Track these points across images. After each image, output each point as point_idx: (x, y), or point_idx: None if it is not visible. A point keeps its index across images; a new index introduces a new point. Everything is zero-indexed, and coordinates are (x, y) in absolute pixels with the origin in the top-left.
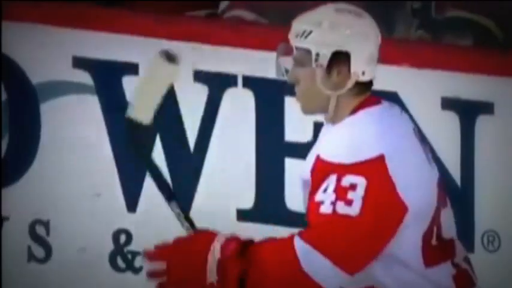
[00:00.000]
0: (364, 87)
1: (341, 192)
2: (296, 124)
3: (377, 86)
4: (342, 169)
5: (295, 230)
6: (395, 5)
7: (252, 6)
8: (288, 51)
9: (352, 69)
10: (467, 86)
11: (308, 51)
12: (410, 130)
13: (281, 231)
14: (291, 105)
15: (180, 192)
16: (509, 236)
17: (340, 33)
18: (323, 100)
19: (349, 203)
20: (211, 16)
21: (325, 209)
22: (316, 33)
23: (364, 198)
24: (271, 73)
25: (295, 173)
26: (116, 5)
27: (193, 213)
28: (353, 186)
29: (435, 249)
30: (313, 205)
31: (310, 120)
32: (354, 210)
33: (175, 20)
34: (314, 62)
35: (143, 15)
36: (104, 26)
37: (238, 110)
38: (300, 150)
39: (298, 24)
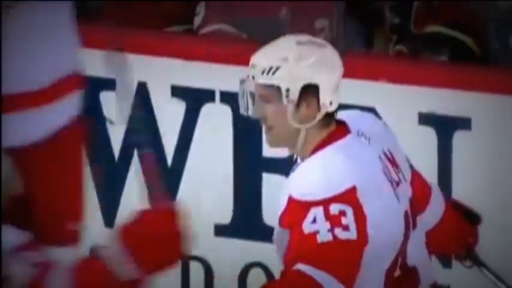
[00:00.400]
0: (330, 117)
1: (334, 220)
2: None
3: (355, 101)
4: (324, 202)
5: (273, 246)
6: (374, 20)
7: (228, 19)
8: (249, 87)
9: (321, 100)
10: (445, 101)
11: (276, 88)
12: (377, 160)
13: (259, 247)
14: None
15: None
16: (486, 250)
17: (308, 66)
18: (292, 134)
19: (346, 228)
20: (188, 31)
21: (324, 237)
22: (284, 68)
23: (356, 223)
24: None
25: (273, 188)
26: (93, 20)
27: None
28: (343, 213)
29: (398, 281)
30: (304, 238)
31: None
32: (353, 234)
33: (151, 36)
34: (285, 98)
35: (114, 30)
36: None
37: (216, 125)
38: (278, 165)
39: (262, 61)
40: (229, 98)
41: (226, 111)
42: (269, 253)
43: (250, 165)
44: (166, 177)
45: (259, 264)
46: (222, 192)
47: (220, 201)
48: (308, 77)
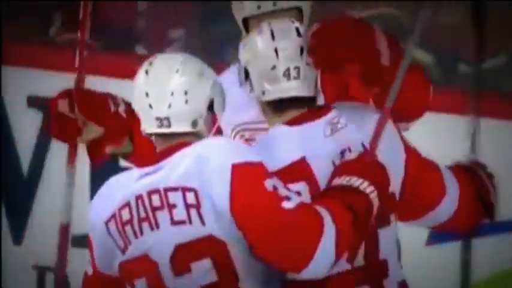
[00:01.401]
0: (284, 104)
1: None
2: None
3: None
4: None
5: None
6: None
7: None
8: None
9: (253, 85)
10: None
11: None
12: (331, 149)
13: None
14: None
15: (14, 215)
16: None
17: (244, 51)
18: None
19: None
20: (46, 42)
21: None
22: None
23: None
24: None
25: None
26: None
27: (28, 234)
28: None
29: (364, 271)
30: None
31: None
32: None
33: (7, 46)
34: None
35: None
36: None
37: None
38: None
39: None
40: None
41: None
42: None
43: (107, 174)
44: (22, 186)
45: None
46: (80, 201)
47: (78, 210)
48: (244, 61)
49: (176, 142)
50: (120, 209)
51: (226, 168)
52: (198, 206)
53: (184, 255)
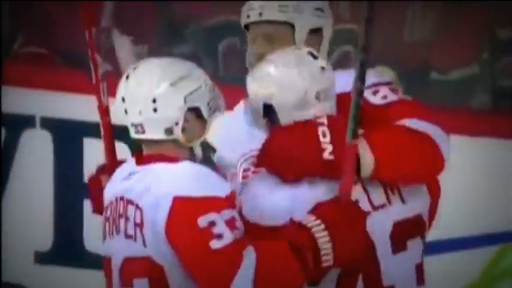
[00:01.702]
0: None
1: None
2: (95, 165)
3: None
4: None
5: (94, 272)
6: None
7: (46, 44)
8: None
9: (281, 120)
10: None
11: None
12: None
13: (80, 274)
14: (90, 146)
15: None
16: None
17: (266, 86)
18: None
19: None
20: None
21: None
22: (250, 86)
23: None
24: (69, 114)
25: (94, 214)
26: None
27: None
28: None
29: None
30: None
31: None
32: None
33: None
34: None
35: None
36: None
37: (36, 151)
38: None
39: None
40: (49, 124)
41: (46, 137)
42: (89, 280)
43: (71, 192)
44: None
45: None
46: (43, 219)
47: (41, 228)
48: (265, 97)
49: (155, 151)
50: (108, 204)
51: (168, 199)
52: (141, 226)
53: (129, 270)
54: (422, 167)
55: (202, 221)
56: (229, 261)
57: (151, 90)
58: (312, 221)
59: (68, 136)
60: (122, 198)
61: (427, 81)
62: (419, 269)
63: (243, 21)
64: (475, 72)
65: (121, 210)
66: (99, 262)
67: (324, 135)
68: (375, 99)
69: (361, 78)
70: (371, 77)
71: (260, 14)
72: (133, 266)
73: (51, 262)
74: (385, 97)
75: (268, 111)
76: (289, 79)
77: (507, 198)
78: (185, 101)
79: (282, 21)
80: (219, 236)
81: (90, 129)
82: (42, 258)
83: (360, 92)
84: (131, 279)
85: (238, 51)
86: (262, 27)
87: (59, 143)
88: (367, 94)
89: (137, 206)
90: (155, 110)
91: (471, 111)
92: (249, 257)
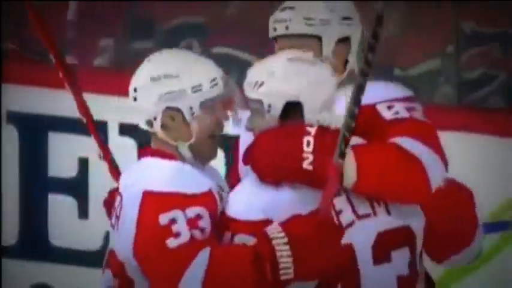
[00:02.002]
0: None
1: None
2: (60, 160)
3: None
4: None
5: (60, 266)
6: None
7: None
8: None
9: (306, 119)
10: None
11: (261, 102)
12: None
13: (45, 267)
14: (55, 141)
15: None
16: None
17: (292, 83)
18: None
19: None
20: None
21: None
22: (268, 84)
23: None
24: (35, 108)
25: (58, 208)
26: None
27: None
28: None
29: None
30: None
31: (74, 156)
32: None
33: None
34: (267, 113)
35: None
36: None
37: (2, 145)
38: (63, 186)
39: (252, 75)
40: (15, 118)
41: (12, 131)
42: (55, 274)
43: (36, 186)
44: None
45: (44, 286)
46: (8, 213)
47: (6, 222)
48: (291, 94)
49: (155, 146)
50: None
51: (139, 194)
52: (118, 219)
53: (109, 262)
54: (404, 188)
55: (164, 218)
56: (180, 260)
57: (135, 80)
58: (275, 233)
59: (33, 130)
60: (117, 190)
61: (392, 77)
62: (402, 281)
63: (271, 34)
64: (439, 66)
65: (116, 202)
66: (63, 256)
67: (308, 145)
68: (387, 113)
69: (356, 101)
70: (393, 91)
71: (287, 27)
72: (112, 259)
73: (16, 256)
74: (396, 113)
75: (290, 111)
76: (322, 74)
77: None
78: (160, 98)
79: (309, 34)
80: (177, 235)
81: (56, 124)
82: (7, 252)
83: (352, 115)
84: (110, 273)
85: (196, 52)
86: (290, 40)
87: (24, 138)
88: (383, 107)
89: (121, 199)
90: (135, 99)
91: (436, 105)
92: (202, 256)
